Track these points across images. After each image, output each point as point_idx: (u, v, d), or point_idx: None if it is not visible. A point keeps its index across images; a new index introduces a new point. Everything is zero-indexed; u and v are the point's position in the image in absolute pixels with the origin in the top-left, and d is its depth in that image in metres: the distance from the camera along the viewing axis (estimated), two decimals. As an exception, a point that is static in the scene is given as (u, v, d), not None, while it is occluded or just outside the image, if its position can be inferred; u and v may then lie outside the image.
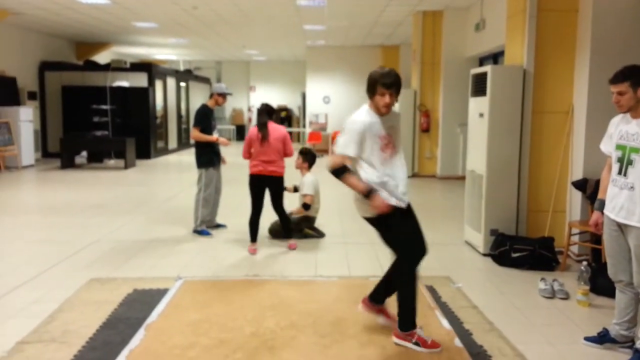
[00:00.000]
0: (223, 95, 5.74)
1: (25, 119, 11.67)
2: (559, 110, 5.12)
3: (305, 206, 5.56)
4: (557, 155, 5.13)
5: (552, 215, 5.13)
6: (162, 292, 3.91)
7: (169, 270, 4.51)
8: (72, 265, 4.70)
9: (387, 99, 2.98)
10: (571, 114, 5.06)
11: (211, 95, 5.78)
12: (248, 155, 5.12)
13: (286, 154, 5.16)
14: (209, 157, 5.67)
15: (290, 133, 20.28)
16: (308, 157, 5.75)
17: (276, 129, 5.10)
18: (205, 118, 5.67)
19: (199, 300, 3.71)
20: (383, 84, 2.97)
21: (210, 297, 3.80)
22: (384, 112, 3.03)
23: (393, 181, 3.05)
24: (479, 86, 5.28)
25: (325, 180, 10.70)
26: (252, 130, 5.13)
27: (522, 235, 5.08)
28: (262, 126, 5.06)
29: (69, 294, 3.92)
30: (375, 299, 3.32)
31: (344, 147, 3.02)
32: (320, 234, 5.71)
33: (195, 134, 5.61)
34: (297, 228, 5.51)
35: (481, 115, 5.21)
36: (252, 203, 5.11)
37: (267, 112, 5.14)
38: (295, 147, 5.52)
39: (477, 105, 5.34)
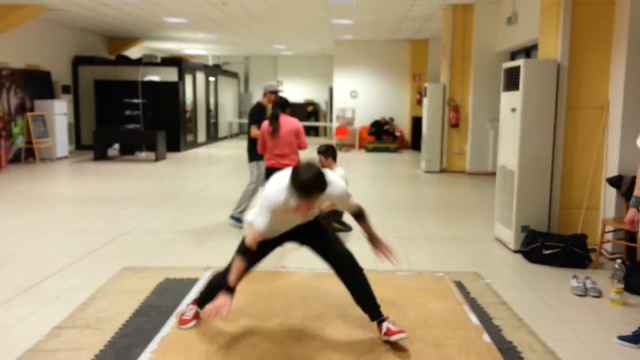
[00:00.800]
0: (275, 93, 5.85)
1: (59, 112, 11.97)
2: (594, 105, 5.01)
3: None
4: (592, 151, 5.02)
5: (585, 212, 5.03)
6: (192, 282, 3.98)
7: (199, 260, 4.58)
8: (105, 254, 4.81)
9: (302, 208, 2.71)
10: (607, 109, 4.94)
11: (265, 94, 5.89)
12: (263, 149, 5.12)
13: (300, 146, 5.09)
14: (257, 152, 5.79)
15: (317, 128, 20.29)
16: (329, 153, 5.70)
17: (288, 122, 5.04)
18: (261, 115, 5.78)
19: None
20: (300, 196, 2.66)
21: (239, 287, 3.81)
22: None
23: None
24: (512, 80, 5.19)
25: (354, 174, 10.58)
26: (265, 123, 5.10)
27: (554, 232, 4.99)
28: (273, 119, 5.02)
29: (102, 282, 4.02)
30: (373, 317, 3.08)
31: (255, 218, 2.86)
32: (347, 228, 5.70)
33: (254, 132, 5.71)
34: (325, 222, 5.52)
35: (513, 110, 5.13)
36: None
37: (279, 105, 5.11)
38: (322, 142, 5.47)
39: (509, 100, 5.25)
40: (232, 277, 2.82)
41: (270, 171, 5.12)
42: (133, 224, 5.95)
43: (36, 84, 11.86)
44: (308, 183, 2.64)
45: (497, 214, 5.49)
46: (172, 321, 3.26)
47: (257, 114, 5.79)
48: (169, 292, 3.79)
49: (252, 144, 5.79)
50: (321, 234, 3.17)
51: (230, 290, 2.81)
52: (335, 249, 3.10)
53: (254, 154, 5.80)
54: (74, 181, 9.34)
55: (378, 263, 4.64)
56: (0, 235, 5.43)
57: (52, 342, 3.02)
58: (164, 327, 3.17)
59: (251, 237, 2.80)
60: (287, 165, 5.05)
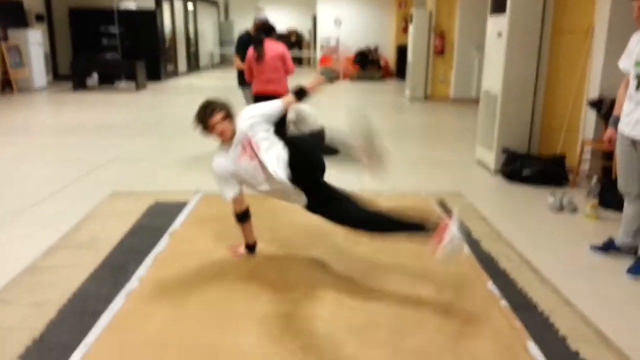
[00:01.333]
0: (262, 23, 5.74)
1: (34, 41, 11.56)
2: (579, 29, 5.00)
3: None
4: (575, 74, 5.07)
5: (565, 134, 5.15)
6: (182, 205, 4.06)
7: (188, 185, 4.64)
8: (93, 181, 4.85)
9: (220, 134, 2.85)
10: (591, 33, 4.94)
11: (254, 24, 5.82)
12: (250, 76, 5.05)
13: (287, 71, 4.98)
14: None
15: (301, 58, 19.93)
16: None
17: (273, 47, 4.92)
18: (245, 45, 5.60)
19: (218, 212, 3.85)
20: (203, 131, 2.89)
21: (229, 209, 3.93)
22: (221, 140, 2.89)
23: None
24: (499, 4, 5.14)
25: (339, 105, 10.48)
26: (250, 49, 4.99)
27: (534, 154, 5.13)
28: (257, 44, 4.91)
29: (91, 206, 4.07)
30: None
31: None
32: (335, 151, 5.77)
33: (236, 63, 5.75)
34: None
35: (499, 34, 5.12)
36: None
37: (263, 30, 4.99)
38: (306, 71, 5.35)
39: (496, 24, 5.23)
40: (246, 237, 3.13)
41: (258, 98, 5.10)
42: (118, 152, 5.95)
43: (8, 13, 11.36)
44: (197, 114, 2.87)
45: (479, 137, 5.59)
46: (166, 240, 3.37)
47: (240, 44, 5.73)
48: (160, 214, 3.87)
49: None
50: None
51: (250, 248, 3.16)
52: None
53: (240, 79, 5.82)
54: (54, 111, 9.20)
55: (364, 185, 4.77)
56: (-15, 164, 5.42)
57: (49, 261, 3.11)
58: (157, 245, 3.27)
59: (233, 209, 3.02)
60: (274, 92, 5.00)
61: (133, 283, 2.79)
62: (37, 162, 5.51)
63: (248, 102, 5.90)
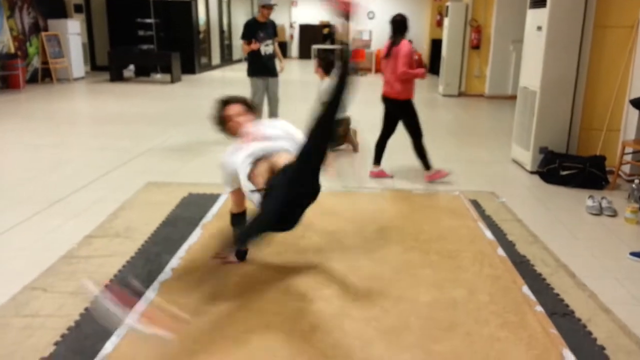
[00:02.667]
0: (265, 7, 5.85)
1: (73, 31, 11.82)
2: (623, 24, 4.83)
3: None
4: (617, 72, 4.91)
5: (605, 134, 4.99)
6: (214, 197, 4.09)
7: (220, 177, 4.67)
8: (130, 170, 4.93)
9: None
10: (636, 28, 4.77)
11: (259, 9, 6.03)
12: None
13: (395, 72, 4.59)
14: (252, 67, 6.01)
15: (333, 51, 19.83)
16: (323, 63, 5.64)
17: (399, 45, 4.63)
18: (247, 29, 5.96)
19: (249, 206, 3.86)
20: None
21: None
22: None
23: None
24: (539, -2, 5.01)
25: (369, 99, 10.45)
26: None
27: (572, 154, 4.99)
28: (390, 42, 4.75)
29: (128, 195, 4.15)
30: None
31: None
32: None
33: (243, 47, 6.00)
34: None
35: (539, 28, 4.98)
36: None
37: (395, 25, 4.73)
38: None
39: (535, 18, 5.09)
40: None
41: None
42: (154, 142, 6.04)
43: (48, 3, 11.64)
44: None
45: (515, 135, 5.47)
46: (198, 231, 3.40)
47: (244, 28, 5.96)
48: (192, 206, 3.91)
49: (248, 59, 6.02)
50: None
51: (241, 255, 2.98)
52: None
53: (248, 69, 6.02)
54: (92, 101, 9.39)
55: (395, 182, 4.73)
56: (26, 151, 5.57)
57: (85, 249, 3.18)
58: (190, 237, 3.31)
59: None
60: (386, 93, 4.74)
61: (166, 273, 2.83)
62: (76, 151, 5.64)
63: (255, 94, 5.98)
